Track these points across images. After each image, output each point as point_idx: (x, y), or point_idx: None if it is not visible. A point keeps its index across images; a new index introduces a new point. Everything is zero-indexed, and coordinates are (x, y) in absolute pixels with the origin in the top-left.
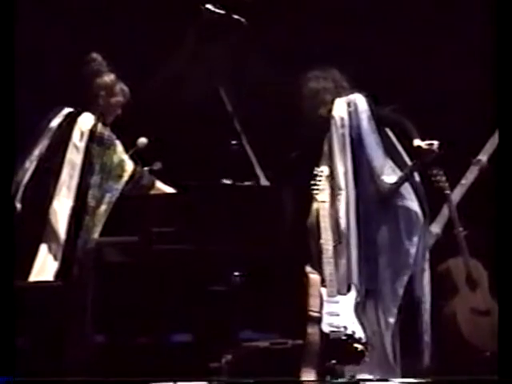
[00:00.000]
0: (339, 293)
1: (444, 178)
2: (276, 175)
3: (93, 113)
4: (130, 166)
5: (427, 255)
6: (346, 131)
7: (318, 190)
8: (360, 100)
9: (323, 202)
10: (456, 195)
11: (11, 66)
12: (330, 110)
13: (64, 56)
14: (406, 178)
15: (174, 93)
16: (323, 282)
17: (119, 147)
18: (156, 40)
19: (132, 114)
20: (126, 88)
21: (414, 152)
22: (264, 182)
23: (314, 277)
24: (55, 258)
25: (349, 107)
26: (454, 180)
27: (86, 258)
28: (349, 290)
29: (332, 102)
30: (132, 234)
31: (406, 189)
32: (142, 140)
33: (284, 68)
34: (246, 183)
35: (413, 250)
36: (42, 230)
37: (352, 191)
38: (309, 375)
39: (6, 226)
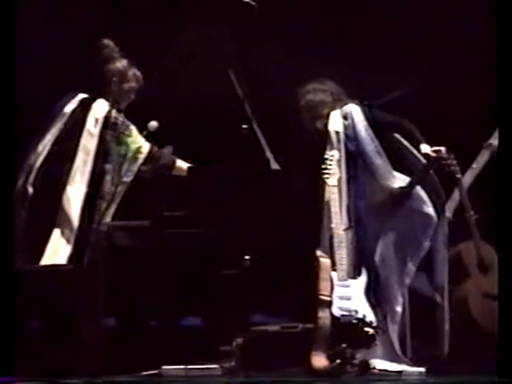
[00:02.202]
0: (350, 277)
1: (455, 162)
2: (286, 159)
3: (107, 99)
4: (145, 147)
5: (443, 246)
6: (342, 146)
7: (328, 174)
8: (355, 111)
9: (334, 186)
10: (467, 179)
11: (11, 56)
12: (327, 125)
13: (76, 42)
14: (416, 182)
15: (185, 77)
16: (334, 266)
17: (134, 131)
18: (166, 25)
19: (144, 99)
20: (138, 73)
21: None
22: (274, 165)
23: (325, 261)
24: (68, 242)
25: (345, 120)
26: (465, 164)
27: (98, 242)
28: (359, 273)
29: (328, 116)
30: (144, 218)
31: (419, 191)
32: (153, 123)
33: (294, 51)
34: (256, 167)
35: (426, 243)
36: (55, 214)
37: (358, 200)
38: (319, 359)
39: (5, 213)
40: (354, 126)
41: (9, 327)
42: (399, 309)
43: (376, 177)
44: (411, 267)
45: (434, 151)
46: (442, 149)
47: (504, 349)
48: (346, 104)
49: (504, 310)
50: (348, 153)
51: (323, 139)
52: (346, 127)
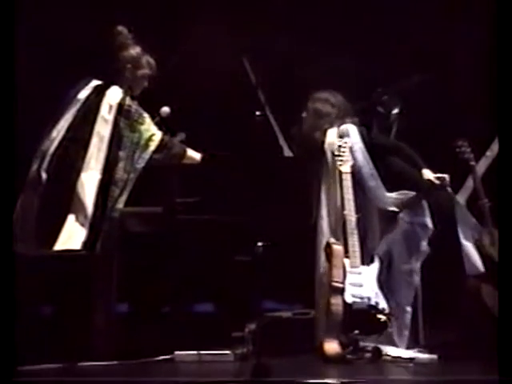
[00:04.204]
0: (362, 263)
1: (469, 150)
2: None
3: (120, 86)
4: (157, 135)
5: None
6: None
7: (341, 161)
8: (353, 131)
9: (347, 173)
10: (481, 167)
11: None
12: (323, 141)
13: (90, 29)
14: (414, 202)
15: (199, 64)
16: (346, 253)
17: (147, 118)
18: (180, 13)
19: (157, 85)
20: (151, 60)
21: (422, 182)
22: (287, 152)
23: (338, 247)
24: (82, 227)
25: (340, 139)
26: (479, 152)
27: (111, 228)
28: (372, 260)
29: (325, 133)
30: (156, 204)
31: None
32: (165, 109)
33: (306, 40)
34: (270, 154)
35: (423, 249)
36: (69, 200)
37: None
38: (331, 345)
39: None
40: (350, 147)
41: (22, 312)
42: (412, 296)
43: (369, 197)
44: (416, 262)
45: (438, 178)
46: (446, 176)
47: (504, 349)
48: (344, 123)
49: (504, 309)
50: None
51: (315, 150)
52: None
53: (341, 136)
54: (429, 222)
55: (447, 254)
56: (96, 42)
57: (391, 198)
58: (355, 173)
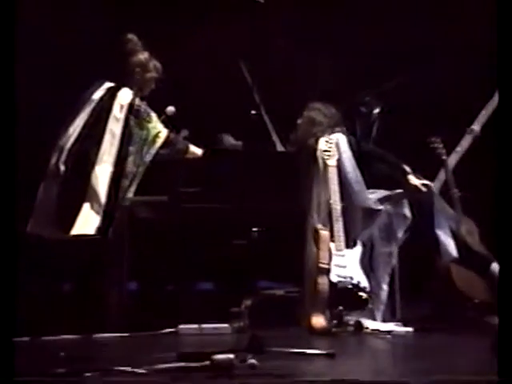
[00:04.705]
0: (346, 247)
1: (441, 146)
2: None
3: (131, 88)
4: (163, 132)
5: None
6: None
7: (328, 155)
8: (342, 140)
9: (333, 166)
10: (452, 161)
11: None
12: (315, 148)
13: (103, 36)
14: (396, 199)
15: (200, 68)
16: (332, 238)
17: (154, 117)
18: (183, 20)
19: (163, 86)
20: (158, 64)
21: (407, 185)
22: (280, 147)
23: (324, 233)
24: (96, 215)
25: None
26: (450, 147)
27: (122, 215)
28: (354, 244)
29: (317, 141)
30: (162, 194)
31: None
32: (171, 108)
33: (298, 45)
34: (264, 149)
35: (400, 236)
36: (84, 191)
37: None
38: (318, 320)
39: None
40: (339, 154)
41: (45, 289)
42: (389, 276)
43: (353, 198)
44: (394, 246)
45: (423, 184)
46: (431, 184)
47: (504, 349)
48: (334, 132)
49: (504, 309)
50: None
51: (307, 155)
52: None
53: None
54: (407, 212)
55: (424, 241)
56: (109, 48)
57: (373, 199)
58: (342, 178)
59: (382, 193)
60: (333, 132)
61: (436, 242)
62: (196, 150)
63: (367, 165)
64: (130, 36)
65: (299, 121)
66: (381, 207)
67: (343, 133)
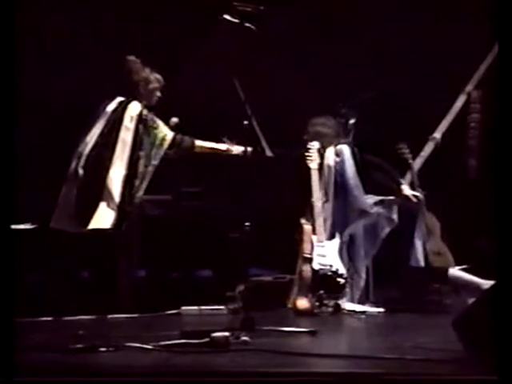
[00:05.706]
0: (326, 239)
1: (408, 151)
2: (278, 148)
3: (139, 101)
4: (169, 135)
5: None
6: (332, 178)
7: (310, 160)
8: (346, 150)
9: (314, 169)
10: (417, 164)
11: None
12: (322, 157)
13: (115, 56)
14: (388, 204)
15: (198, 84)
16: (314, 231)
17: (160, 124)
18: (182, 40)
19: (167, 101)
20: (159, 76)
21: (400, 194)
22: (268, 153)
23: (307, 227)
24: (111, 211)
25: (337, 157)
26: (415, 152)
27: (133, 212)
28: (333, 237)
29: (324, 151)
30: (167, 193)
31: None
32: (174, 120)
33: (286, 64)
34: (255, 154)
35: (382, 236)
36: (101, 191)
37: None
38: (302, 302)
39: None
40: (343, 163)
41: (64, 275)
42: (365, 265)
43: (351, 201)
44: (375, 242)
45: (414, 196)
46: (421, 196)
47: (504, 349)
48: (339, 144)
49: (504, 309)
50: (335, 182)
51: (294, 160)
52: (336, 163)
53: (337, 154)
54: (395, 216)
55: (401, 243)
56: (117, 67)
57: (369, 204)
58: (343, 183)
59: (376, 198)
60: (339, 143)
61: (411, 246)
62: (203, 144)
63: (367, 173)
64: (129, 58)
65: (305, 136)
66: (374, 210)
67: (348, 144)
